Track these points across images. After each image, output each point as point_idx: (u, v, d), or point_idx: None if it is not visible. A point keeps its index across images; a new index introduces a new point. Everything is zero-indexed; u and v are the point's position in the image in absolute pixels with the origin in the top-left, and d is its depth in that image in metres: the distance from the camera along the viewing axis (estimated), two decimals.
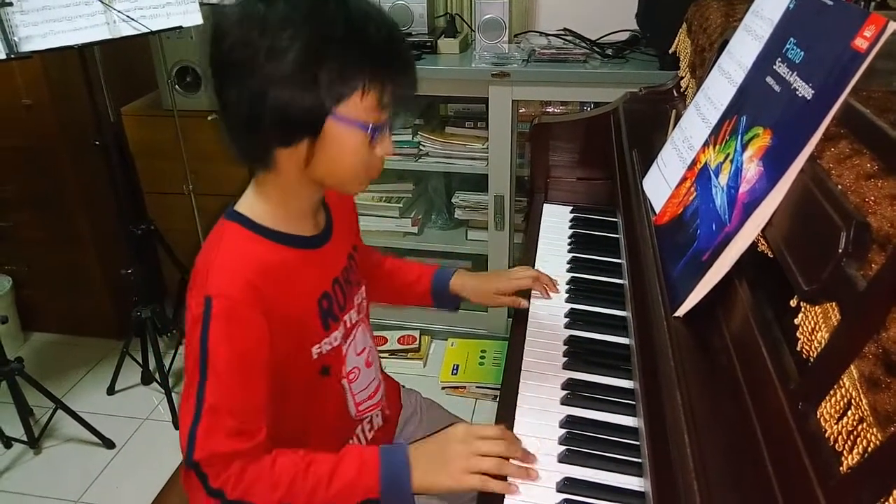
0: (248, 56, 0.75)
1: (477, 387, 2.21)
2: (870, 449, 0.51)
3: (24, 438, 2.00)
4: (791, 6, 0.85)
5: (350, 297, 0.97)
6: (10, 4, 1.57)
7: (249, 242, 0.84)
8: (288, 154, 0.81)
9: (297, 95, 0.76)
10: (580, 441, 0.88)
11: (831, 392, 0.56)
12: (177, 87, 2.22)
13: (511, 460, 0.83)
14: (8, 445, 2.04)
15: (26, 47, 1.62)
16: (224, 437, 0.77)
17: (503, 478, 0.82)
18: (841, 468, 0.53)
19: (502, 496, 0.81)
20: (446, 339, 2.40)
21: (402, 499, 0.80)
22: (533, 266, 1.26)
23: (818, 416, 0.57)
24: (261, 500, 0.78)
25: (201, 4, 1.83)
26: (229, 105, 0.80)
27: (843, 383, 0.55)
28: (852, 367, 0.54)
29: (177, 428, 2.10)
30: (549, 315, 1.14)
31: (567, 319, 1.13)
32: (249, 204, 0.87)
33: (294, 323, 0.86)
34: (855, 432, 0.53)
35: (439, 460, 0.81)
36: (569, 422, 0.91)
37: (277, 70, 0.74)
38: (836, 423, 0.55)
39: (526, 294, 1.18)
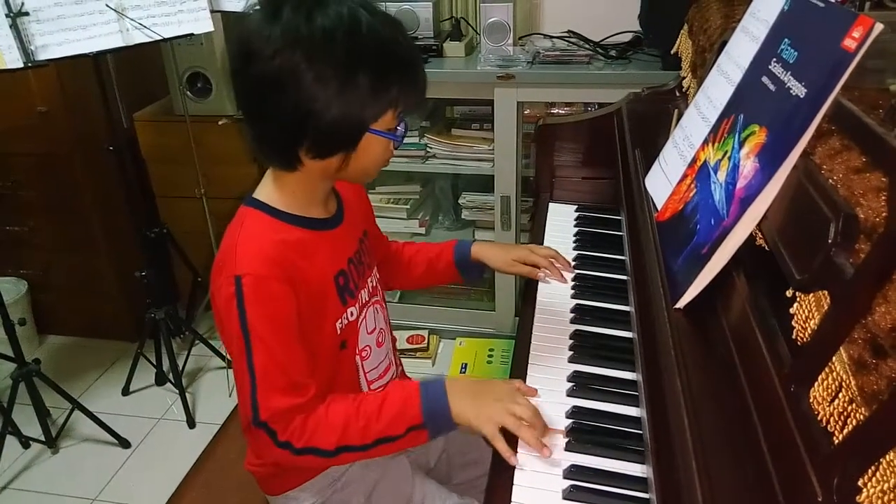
0: (292, 79, 0.79)
1: None
2: None
3: (42, 438, 2.05)
4: (786, 8, 0.88)
5: (363, 276, 1.03)
6: (27, 14, 1.62)
7: (268, 224, 0.91)
8: (319, 162, 0.86)
9: (339, 119, 0.81)
10: (585, 430, 0.91)
11: (823, 375, 0.59)
12: (188, 92, 2.26)
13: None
14: (26, 445, 2.08)
15: (42, 56, 1.66)
16: (281, 394, 0.85)
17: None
18: (831, 447, 0.56)
19: (517, 437, 0.88)
20: (454, 339, 2.44)
21: (444, 423, 0.89)
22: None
23: (810, 399, 0.60)
24: (323, 444, 0.87)
25: (212, 12, 1.87)
26: (265, 120, 0.85)
27: (834, 367, 0.58)
28: (842, 350, 0.57)
29: (191, 427, 2.14)
30: (556, 311, 1.17)
31: (573, 315, 1.15)
32: (267, 192, 0.93)
33: (316, 297, 0.92)
34: (845, 413, 0.56)
35: (477, 399, 0.89)
36: (574, 412, 0.94)
37: (321, 97, 0.79)
38: (829, 406, 0.58)
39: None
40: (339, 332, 0.97)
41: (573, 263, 1.30)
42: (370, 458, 0.92)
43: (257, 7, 0.82)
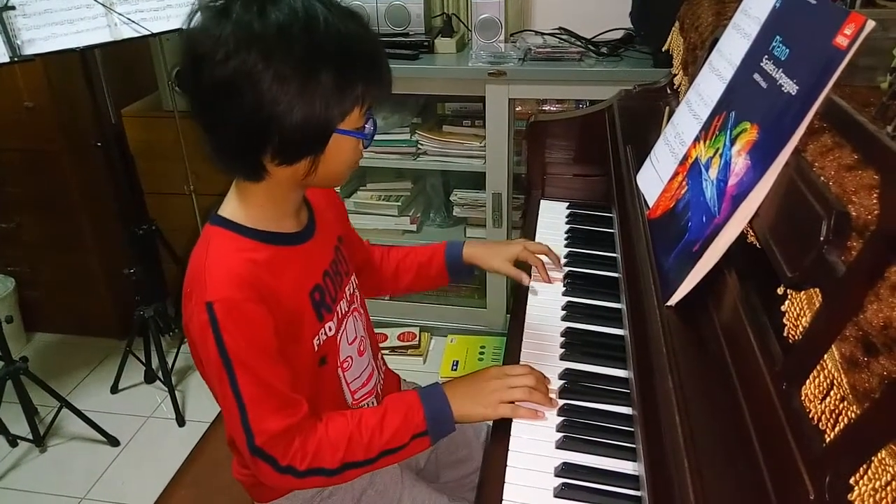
0: (249, 82, 0.74)
1: None
2: None
3: (30, 437, 2.03)
4: (777, 5, 0.88)
5: (340, 288, 1.00)
6: (13, 8, 1.60)
7: (235, 243, 0.86)
8: (285, 169, 0.82)
9: (304, 120, 0.77)
10: (577, 428, 0.91)
11: (815, 373, 0.59)
12: (177, 88, 2.24)
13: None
14: (14, 444, 2.06)
15: (29, 50, 1.64)
16: (273, 416, 0.83)
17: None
18: (823, 445, 0.56)
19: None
20: (446, 336, 2.43)
21: (447, 427, 0.91)
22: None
23: (802, 397, 0.60)
24: (327, 462, 0.86)
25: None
26: (224, 127, 0.80)
27: (826, 364, 0.58)
28: (834, 348, 0.57)
29: (180, 425, 2.13)
30: (547, 308, 1.17)
31: (564, 312, 1.15)
32: (232, 208, 0.88)
33: (291, 316, 0.88)
34: (837, 411, 0.56)
35: (475, 393, 0.93)
36: (566, 410, 0.94)
37: (283, 97, 0.75)
38: (820, 403, 0.58)
39: (526, 270, 1.21)
40: (316, 348, 0.93)
41: (564, 261, 1.29)
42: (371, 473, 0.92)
43: (205, 5, 0.77)
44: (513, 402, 0.92)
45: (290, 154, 0.80)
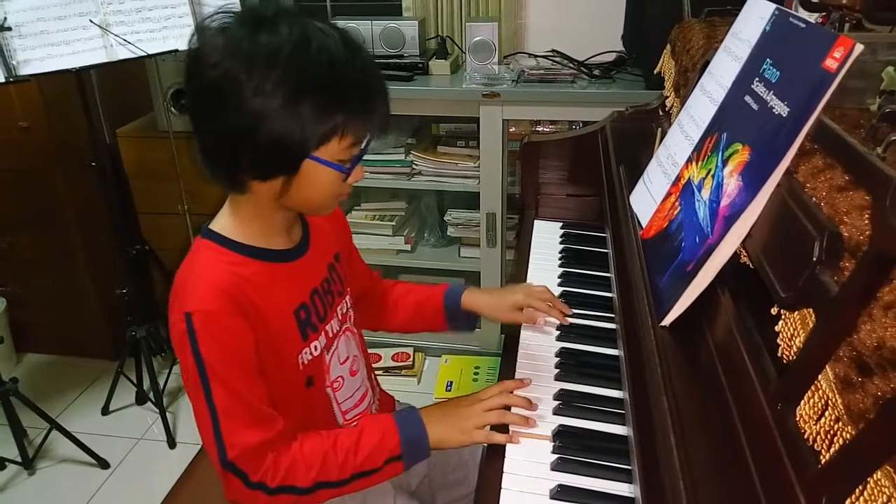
0: (231, 92, 0.77)
1: None
2: None
3: (19, 459, 2.00)
4: (767, 29, 0.89)
5: (331, 307, 0.99)
6: (9, 29, 1.61)
7: (220, 257, 0.87)
8: (262, 185, 0.83)
9: (277, 137, 0.78)
10: (572, 449, 0.90)
11: (809, 394, 0.59)
12: (172, 108, 2.25)
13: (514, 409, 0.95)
14: (2, 466, 2.03)
15: (24, 71, 1.65)
16: (247, 429, 0.83)
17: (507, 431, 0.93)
18: (819, 466, 0.55)
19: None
20: (440, 356, 2.42)
21: (422, 452, 0.91)
22: (525, 281, 1.29)
23: (797, 417, 0.60)
24: (299, 481, 0.85)
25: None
26: (207, 134, 0.82)
27: (820, 385, 0.58)
28: (828, 368, 0.57)
29: (171, 448, 2.11)
30: (541, 329, 1.17)
31: (558, 332, 1.15)
32: (223, 222, 0.90)
33: (274, 333, 0.88)
34: (832, 431, 0.56)
35: (450, 420, 0.93)
36: (561, 431, 0.94)
37: (259, 112, 0.77)
38: (815, 424, 0.58)
39: None
40: (300, 367, 0.93)
41: (558, 280, 1.29)
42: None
43: (208, 24, 0.81)
44: (486, 427, 0.92)
45: (262, 170, 0.82)
